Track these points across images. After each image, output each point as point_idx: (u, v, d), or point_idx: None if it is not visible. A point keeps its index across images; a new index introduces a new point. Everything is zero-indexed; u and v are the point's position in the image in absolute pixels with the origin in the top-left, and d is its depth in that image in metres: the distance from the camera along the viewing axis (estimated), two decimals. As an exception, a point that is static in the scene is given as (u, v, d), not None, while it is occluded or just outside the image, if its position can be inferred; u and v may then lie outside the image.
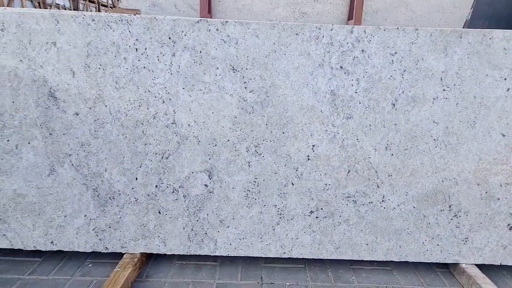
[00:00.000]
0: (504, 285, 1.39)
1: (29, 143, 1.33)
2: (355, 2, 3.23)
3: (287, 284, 1.35)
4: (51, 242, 1.41)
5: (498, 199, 1.37)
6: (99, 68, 1.28)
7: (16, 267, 1.39)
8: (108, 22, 1.25)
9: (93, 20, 1.25)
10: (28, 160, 1.34)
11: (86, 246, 1.41)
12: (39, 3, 8.24)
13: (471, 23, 3.63)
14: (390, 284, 1.37)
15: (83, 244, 1.41)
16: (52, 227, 1.40)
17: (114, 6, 12.22)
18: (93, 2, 10.94)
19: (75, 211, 1.38)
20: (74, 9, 9.90)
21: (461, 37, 1.26)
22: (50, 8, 8.47)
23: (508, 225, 1.40)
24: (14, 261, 1.43)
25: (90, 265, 1.42)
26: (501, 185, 1.36)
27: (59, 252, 1.48)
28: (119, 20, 1.25)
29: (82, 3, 10.12)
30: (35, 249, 1.41)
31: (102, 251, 1.41)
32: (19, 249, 1.43)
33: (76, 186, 1.37)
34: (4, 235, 1.40)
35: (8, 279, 1.32)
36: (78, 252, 1.49)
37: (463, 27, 3.52)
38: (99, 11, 11.36)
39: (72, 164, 1.35)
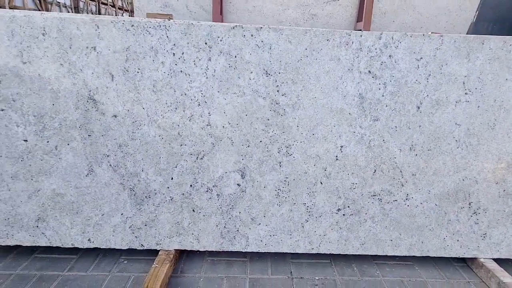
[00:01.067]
0: (519, 278, 1.47)
1: (68, 144, 1.38)
2: (364, 5, 3.30)
3: (316, 278, 1.42)
4: (88, 240, 1.46)
5: (515, 196, 1.45)
6: (138, 72, 1.33)
7: (55, 264, 1.44)
8: (147, 27, 1.30)
9: (132, 25, 1.30)
10: (67, 160, 1.39)
11: (122, 243, 1.47)
12: (39, 0, 8.20)
13: (476, 26, 3.72)
14: (413, 277, 1.44)
15: (119, 241, 1.46)
16: (89, 225, 1.45)
17: (114, 5, 12.19)
18: (93, 0, 10.89)
19: (112, 210, 1.44)
20: (74, 7, 9.88)
21: (483, 43, 1.33)
22: (51, 6, 8.45)
23: (524, 221, 1.48)
24: (51, 258, 1.48)
25: (125, 262, 1.48)
26: (518, 184, 1.44)
27: (94, 249, 1.53)
28: (158, 26, 1.30)
29: (82, 1, 10.07)
30: (72, 246, 1.46)
31: (138, 248, 1.47)
32: (56, 246, 1.47)
33: (114, 185, 1.42)
34: (43, 233, 1.45)
35: (49, 275, 1.37)
36: (112, 249, 1.54)
37: (468, 30, 3.60)
38: (99, 9, 11.32)
39: (110, 165, 1.40)
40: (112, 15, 12.48)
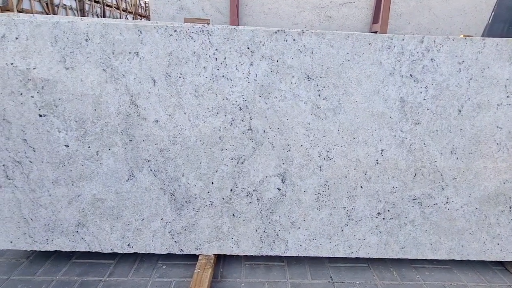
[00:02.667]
0: (560, 282, 1.46)
1: (109, 149, 1.38)
2: (381, 6, 3.30)
3: (357, 282, 1.41)
4: (128, 245, 1.46)
5: (556, 200, 1.45)
6: (180, 77, 1.33)
7: (94, 269, 1.44)
8: (190, 32, 1.30)
9: (175, 31, 1.30)
10: (108, 165, 1.39)
11: (162, 249, 1.46)
12: (46, 3, 8.23)
13: (491, 27, 3.71)
14: (454, 281, 1.44)
15: (159, 246, 1.46)
16: (129, 230, 1.45)
17: (118, 7, 12.24)
18: (98, 2, 10.90)
19: (152, 215, 1.43)
20: (80, 10, 9.92)
21: (525, 47, 1.33)
22: (58, 9, 8.48)
23: None
24: (90, 264, 1.48)
25: (164, 267, 1.47)
26: (558, 187, 1.44)
27: (131, 254, 1.53)
28: (200, 31, 1.30)
29: (88, 4, 10.08)
30: (112, 251, 1.45)
31: (177, 253, 1.46)
32: (94, 252, 1.47)
33: (154, 190, 1.41)
34: (82, 238, 1.44)
35: (90, 281, 1.37)
36: (149, 254, 1.53)
37: (483, 31, 3.60)
38: (104, 11, 11.35)
39: (151, 170, 1.40)
40: (117, 17, 12.52)
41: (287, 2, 3.48)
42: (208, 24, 1.48)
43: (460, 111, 1.38)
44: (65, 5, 8.95)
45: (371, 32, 3.61)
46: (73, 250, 1.45)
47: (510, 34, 3.78)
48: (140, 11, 14.97)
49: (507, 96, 1.36)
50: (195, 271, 1.36)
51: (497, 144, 1.40)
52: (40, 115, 1.35)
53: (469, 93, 1.36)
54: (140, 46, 1.31)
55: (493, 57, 1.34)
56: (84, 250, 1.45)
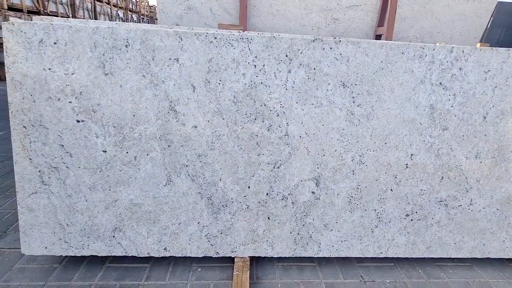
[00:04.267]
0: None
1: (147, 154, 1.39)
2: (387, 11, 3.37)
3: (387, 281, 1.48)
4: (164, 249, 1.47)
5: None
6: (219, 83, 1.35)
7: (130, 274, 1.45)
8: (230, 40, 1.32)
9: (215, 38, 1.31)
10: (146, 171, 1.40)
11: (198, 252, 1.49)
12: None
13: (490, 31, 3.86)
14: (476, 278, 1.52)
15: (195, 249, 1.48)
16: (166, 235, 1.46)
17: (109, 2, 11.97)
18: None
19: (189, 219, 1.45)
20: (71, 5, 9.63)
21: (545, 57, 1.41)
22: (48, 3, 8.20)
23: None
24: (124, 268, 1.48)
25: (199, 269, 1.50)
26: None
27: (164, 258, 1.54)
28: (240, 39, 1.32)
29: None
30: (148, 255, 1.47)
31: (213, 256, 1.49)
32: (125, 256, 1.48)
33: (191, 195, 1.43)
34: (119, 243, 1.45)
35: (129, 285, 1.38)
36: (182, 257, 1.55)
37: (482, 35, 3.73)
38: (94, 6, 11.09)
39: (189, 174, 1.42)
40: (107, 12, 12.25)
41: (295, 4, 3.51)
42: (242, 30, 1.51)
43: (485, 117, 1.45)
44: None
45: (376, 35, 3.69)
46: (109, 254, 1.45)
47: (507, 39, 3.94)
48: (131, 6, 14.69)
49: (528, 104, 1.45)
50: (234, 273, 1.39)
51: (518, 148, 1.48)
52: (78, 121, 1.34)
53: (494, 101, 1.44)
54: (180, 52, 1.32)
55: (516, 67, 1.41)
56: (121, 255, 1.46)
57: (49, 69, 1.30)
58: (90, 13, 10.90)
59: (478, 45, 1.84)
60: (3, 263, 1.47)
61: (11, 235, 1.68)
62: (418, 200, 1.51)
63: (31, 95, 1.31)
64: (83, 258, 1.53)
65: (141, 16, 16.33)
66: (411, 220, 1.52)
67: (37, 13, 7.92)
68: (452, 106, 1.43)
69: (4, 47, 1.28)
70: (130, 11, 14.60)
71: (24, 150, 1.35)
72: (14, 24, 1.26)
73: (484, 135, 1.46)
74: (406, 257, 1.60)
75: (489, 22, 3.78)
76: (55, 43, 1.28)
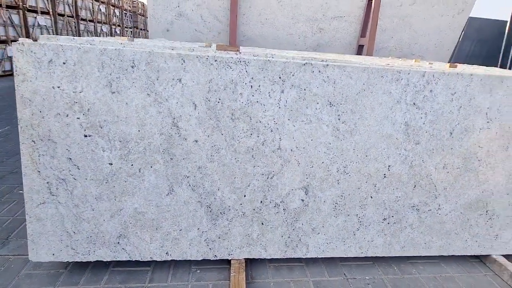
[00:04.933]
0: (521, 270, 1.81)
1: (151, 167, 1.50)
2: (369, 23, 3.59)
3: (367, 278, 1.67)
4: (166, 253, 1.59)
5: (520, 204, 1.79)
6: (218, 102, 1.48)
7: (134, 277, 1.56)
8: (228, 62, 1.45)
9: (215, 60, 1.44)
10: (149, 181, 1.51)
11: (197, 255, 1.61)
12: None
13: (462, 43, 4.17)
14: (442, 273, 1.74)
15: (194, 253, 1.61)
16: (167, 240, 1.58)
17: (93, 20, 11.70)
18: (72, 17, 10.40)
19: (190, 225, 1.58)
20: (50, 0, 9.32)
21: (502, 82, 1.63)
22: (33, 29, 7.93)
23: (526, 224, 1.82)
24: (128, 271, 1.59)
25: (198, 271, 1.63)
26: (523, 194, 1.78)
27: (165, 261, 1.66)
28: (238, 61, 1.45)
29: (61, 21, 9.56)
30: (151, 259, 1.58)
31: (211, 259, 1.62)
32: (128, 260, 1.59)
33: (192, 203, 1.56)
34: (123, 249, 1.55)
35: (134, 287, 1.49)
36: (182, 260, 1.67)
37: (455, 47, 4.03)
38: (75, 1, 10.77)
39: (189, 185, 1.54)
40: (89, 7, 11.93)
41: (283, 14, 3.65)
42: (238, 51, 1.64)
43: (451, 133, 1.66)
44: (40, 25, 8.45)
45: (359, 45, 3.90)
46: (114, 259, 1.55)
47: (476, 50, 4.26)
48: (113, 1, 14.34)
49: (487, 121, 1.67)
50: (231, 274, 1.53)
51: (479, 160, 1.70)
52: (85, 136, 1.43)
53: (459, 119, 1.65)
54: (183, 73, 1.43)
55: (478, 90, 1.63)
56: (125, 259, 1.56)
57: (58, 87, 1.38)
58: (71, 7, 10.59)
59: (447, 66, 2.05)
60: (9, 270, 1.54)
61: (13, 242, 1.74)
62: (394, 206, 1.70)
63: (40, 111, 1.39)
64: (87, 263, 1.62)
65: (124, 11, 15.97)
66: (388, 223, 1.72)
67: (16, 7, 7.65)
68: (424, 123, 1.63)
69: (14, 66, 1.35)
70: (112, 5, 14.27)
71: (33, 163, 1.42)
72: (24, 44, 1.34)
73: (450, 149, 1.67)
74: (383, 256, 1.80)
75: (461, 35, 4.08)
76: (64, 63, 1.36)
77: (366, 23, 3.71)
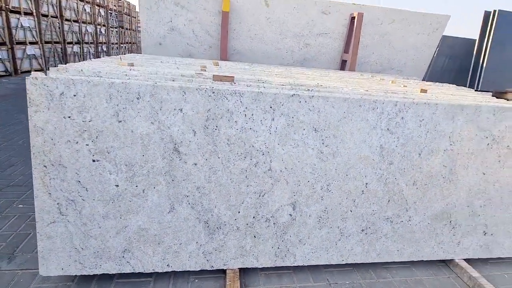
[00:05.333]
0: (482, 270, 2.07)
1: (154, 187, 1.65)
2: (352, 39, 3.83)
3: (347, 282, 1.88)
4: (167, 265, 1.74)
5: (479, 215, 2.05)
6: (215, 129, 1.64)
7: (137, 287, 1.70)
8: (225, 94, 1.62)
9: (213, 92, 1.61)
10: (152, 201, 1.66)
11: (196, 266, 1.77)
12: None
13: (436, 59, 4.49)
14: (412, 277, 1.98)
15: (193, 264, 1.77)
16: (168, 253, 1.73)
17: (77, 20, 11.50)
18: (56, 17, 10.21)
19: (189, 239, 1.74)
20: (34, 0, 9.14)
21: (462, 110, 1.88)
22: (16, 31, 7.73)
23: (484, 232, 2.09)
24: (132, 282, 1.73)
25: (196, 281, 1.79)
26: (480, 206, 2.04)
27: (165, 272, 1.81)
28: (234, 93, 1.62)
29: (44, 22, 9.37)
30: (153, 271, 1.73)
31: (208, 269, 1.79)
32: (130, 273, 1.73)
33: (191, 220, 1.72)
34: (128, 262, 1.70)
35: (138, 297, 1.64)
36: (181, 271, 1.83)
37: (430, 62, 4.34)
38: (59, 1, 10.56)
39: (189, 203, 1.70)
40: (73, 7, 11.72)
41: (271, 29, 3.84)
42: (233, 81, 1.81)
43: (420, 154, 1.89)
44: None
45: (342, 60, 4.14)
46: (119, 272, 1.69)
47: (449, 66, 4.60)
48: (98, 0, 14.12)
49: (450, 144, 1.91)
50: (227, 282, 1.70)
51: (443, 177, 1.95)
52: (94, 160, 1.56)
53: (426, 142, 1.88)
54: (184, 104, 1.59)
55: (442, 117, 1.87)
56: (129, 272, 1.71)
57: (69, 117, 1.51)
58: (55, 8, 10.39)
59: (419, 90, 2.30)
60: (19, 284, 1.65)
61: (20, 257, 1.84)
62: (371, 218, 1.92)
63: (52, 139, 1.51)
64: (93, 276, 1.75)
65: (109, 11, 15.73)
66: (366, 233, 1.94)
67: (-2, 8, 7.47)
68: (396, 146, 1.85)
69: (27, 98, 1.47)
70: (97, 5, 14.04)
71: (44, 186, 1.54)
72: (38, 78, 1.46)
73: (419, 168, 1.91)
74: (362, 263, 2.02)
75: (435, 52, 4.39)
76: (75, 95, 1.49)
77: (349, 39, 3.95)
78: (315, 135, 1.75)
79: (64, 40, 10.92)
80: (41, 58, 9.48)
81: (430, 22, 4.06)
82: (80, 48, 12.22)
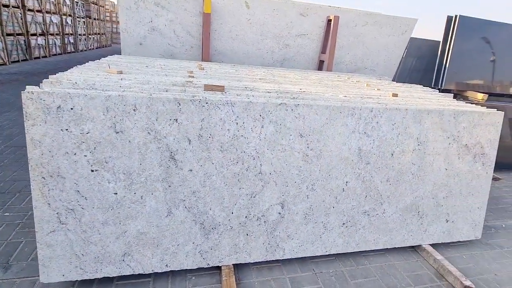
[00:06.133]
0: (444, 253, 2.37)
1: (152, 194, 1.73)
2: (329, 40, 4.02)
3: (330, 271, 2.09)
4: (166, 265, 1.85)
5: (442, 205, 2.34)
6: (209, 137, 1.75)
7: (138, 287, 1.80)
8: (218, 104, 1.72)
9: (206, 103, 1.71)
10: (150, 206, 1.75)
11: (192, 265, 1.89)
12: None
13: (405, 59, 4.81)
14: (387, 262, 2.23)
15: (190, 263, 1.89)
16: (167, 254, 1.83)
17: (41, 10, 10.70)
18: (17, 8, 9.50)
19: (186, 240, 1.85)
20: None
21: (428, 114, 2.12)
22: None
23: (446, 219, 2.38)
24: (132, 283, 1.82)
25: (193, 278, 1.91)
26: (443, 198, 2.32)
27: (163, 272, 1.91)
28: (226, 103, 1.74)
29: (6, 13, 8.67)
30: (152, 272, 1.83)
31: (205, 267, 1.91)
32: (130, 274, 1.82)
33: (187, 222, 1.83)
34: (128, 265, 1.78)
35: (140, 297, 1.74)
36: (178, 270, 1.94)
37: (400, 62, 4.65)
38: (25, 18, 9.81)
39: (185, 207, 1.80)
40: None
41: (252, 30, 3.93)
42: (223, 91, 1.92)
43: (392, 154, 2.12)
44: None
45: (320, 60, 4.33)
46: (119, 275, 1.77)
47: (417, 65, 4.94)
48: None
49: (418, 145, 2.15)
50: (223, 278, 1.84)
51: (412, 174, 2.20)
52: (92, 170, 1.62)
53: (397, 143, 2.11)
54: (179, 114, 1.68)
55: (411, 120, 2.10)
56: (129, 274, 1.79)
57: (66, 129, 1.55)
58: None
59: (391, 94, 2.53)
60: (18, 292, 1.69)
61: (15, 266, 1.86)
62: (351, 213, 2.13)
63: (49, 151, 1.55)
64: (93, 280, 1.82)
65: (75, 0, 14.86)
66: (346, 227, 2.15)
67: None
68: (372, 148, 2.06)
69: (24, 112, 1.49)
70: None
71: (43, 197, 1.58)
72: (34, 93, 1.48)
73: (392, 166, 2.14)
74: (343, 252, 2.23)
75: (404, 52, 4.71)
76: (71, 108, 1.53)
77: (326, 40, 4.14)
78: (300, 140, 1.91)
79: (28, 31, 10.25)
80: (3, 51, 8.88)
81: (400, 25, 4.34)
82: (45, 40, 11.53)
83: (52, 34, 12.14)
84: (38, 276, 1.80)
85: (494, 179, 3.79)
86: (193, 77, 2.35)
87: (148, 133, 1.66)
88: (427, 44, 4.61)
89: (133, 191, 1.70)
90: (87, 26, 16.33)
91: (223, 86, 1.92)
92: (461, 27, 4.05)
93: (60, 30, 12.96)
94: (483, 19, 4.23)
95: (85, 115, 1.55)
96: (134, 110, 1.61)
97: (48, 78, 1.75)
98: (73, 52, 14.38)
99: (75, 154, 1.58)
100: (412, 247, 2.43)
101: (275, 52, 4.14)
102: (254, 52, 4.07)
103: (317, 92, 2.29)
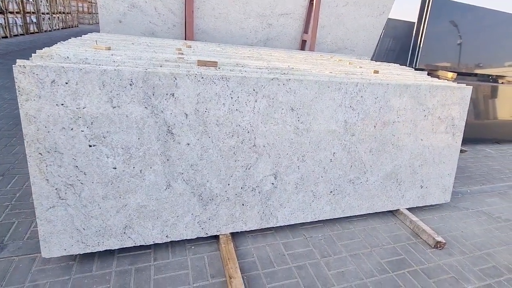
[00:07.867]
0: (419, 215, 2.62)
1: (151, 167, 1.77)
2: (311, 20, 4.08)
3: (319, 235, 2.26)
4: (166, 236, 1.92)
5: (417, 173, 2.56)
6: (205, 111, 1.80)
7: (139, 259, 1.86)
8: (213, 79, 1.77)
9: (202, 77, 1.75)
10: (149, 180, 1.79)
11: (192, 235, 1.98)
12: None
13: (383, 40, 4.99)
14: (369, 225, 2.44)
15: (190, 233, 1.97)
16: (167, 226, 1.90)
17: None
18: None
19: (185, 212, 1.92)
20: None
21: (407, 88, 2.29)
22: None
23: (420, 186, 2.62)
24: (133, 255, 1.88)
25: (193, 247, 2.00)
26: (419, 166, 2.55)
27: (163, 243, 1.99)
28: (221, 78, 1.78)
29: None
30: (153, 243, 1.90)
31: (203, 236, 2.01)
32: (130, 246, 1.88)
33: (186, 194, 1.89)
34: (129, 237, 1.83)
35: (142, 267, 1.81)
36: (178, 240, 2.02)
37: (377, 42, 4.82)
38: (7, 17, 8.83)
39: (184, 180, 1.86)
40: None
41: (235, 9, 3.90)
42: (217, 66, 1.95)
43: (375, 126, 2.28)
44: None
45: (302, 40, 4.40)
46: (121, 247, 1.83)
47: (393, 46, 5.15)
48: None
49: (398, 117, 2.33)
50: (221, 245, 1.95)
51: (392, 144, 2.38)
52: (90, 145, 1.63)
53: (380, 116, 2.27)
54: (175, 89, 1.71)
55: (392, 94, 2.25)
56: (130, 245, 1.85)
57: (62, 104, 1.54)
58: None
59: (373, 71, 2.66)
60: (19, 269, 1.70)
61: (11, 245, 1.85)
62: (337, 181, 2.29)
63: (45, 127, 1.54)
64: (94, 253, 1.86)
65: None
66: (333, 194, 2.31)
67: None
68: (357, 120, 2.20)
69: (16, 87, 1.46)
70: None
71: (40, 173, 1.58)
72: (26, 66, 1.45)
73: (374, 138, 2.30)
74: (330, 218, 2.41)
75: (382, 33, 4.88)
76: (66, 83, 1.52)
77: (308, 20, 4.19)
78: (292, 114, 2.00)
79: (-16, 9, 9.37)
80: (-42, 31, 8.09)
81: (378, 6, 4.47)
82: (4, 18, 10.61)
83: (12, 12, 11.18)
84: (37, 253, 1.81)
85: (461, 151, 4.14)
86: (182, 54, 2.35)
87: (145, 107, 1.68)
88: (402, 25, 4.80)
89: (132, 165, 1.73)
90: (50, 4, 15.14)
91: (216, 62, 1.95)
92: (434, 8, 4.25)
93: (21, 8, 11.95)
94: (457, 1, 4.45)
95: (81, 90, 1.55)
96: (130, 84, 1.62)
97: (13, 60, 1.69)
98: (36, 32, 13.36)
99: (72, 129, 1.58)
100: (391, 211, 2.66)
101: (258, 32, 4.14)
102: (238, 31, 4.05)
103: (305, 68, 2.38)
